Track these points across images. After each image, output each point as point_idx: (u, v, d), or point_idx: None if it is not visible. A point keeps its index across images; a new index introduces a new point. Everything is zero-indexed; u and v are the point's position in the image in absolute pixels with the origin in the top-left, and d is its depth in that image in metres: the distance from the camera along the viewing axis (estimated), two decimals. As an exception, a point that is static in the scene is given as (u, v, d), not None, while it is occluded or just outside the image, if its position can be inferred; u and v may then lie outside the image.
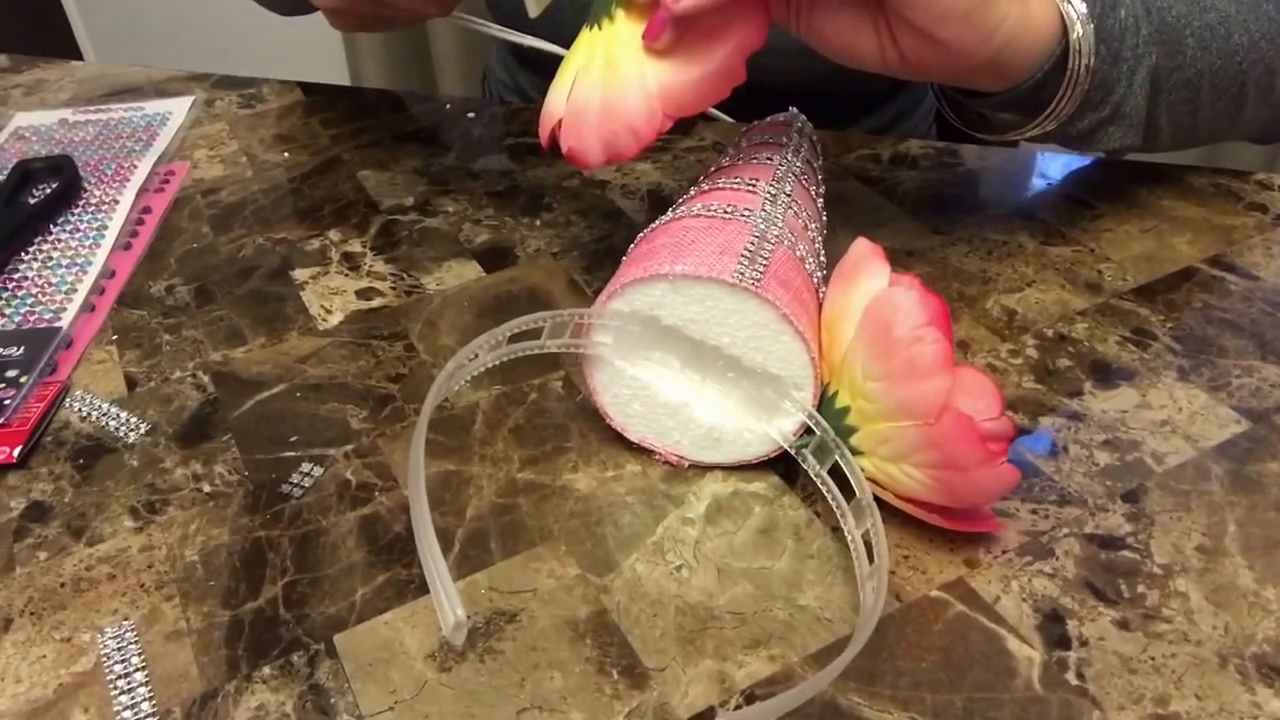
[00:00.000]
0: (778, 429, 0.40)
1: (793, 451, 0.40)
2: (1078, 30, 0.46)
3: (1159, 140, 0.53)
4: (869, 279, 0.39)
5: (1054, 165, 0.63)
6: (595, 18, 0.43)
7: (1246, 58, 0.51)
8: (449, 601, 0.31)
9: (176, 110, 0.73)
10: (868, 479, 0.38)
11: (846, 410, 0.38)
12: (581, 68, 0.43)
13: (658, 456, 0.43)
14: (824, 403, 0.40)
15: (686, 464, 0.42)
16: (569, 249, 0.56)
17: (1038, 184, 0.61)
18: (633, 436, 0.43)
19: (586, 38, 0.44)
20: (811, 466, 0.39)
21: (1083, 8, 0.46)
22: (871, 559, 0.36)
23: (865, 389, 0.37)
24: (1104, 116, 0.50)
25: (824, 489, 0.39)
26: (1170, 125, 0.52)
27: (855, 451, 0.38)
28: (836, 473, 0.38)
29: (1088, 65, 0.47)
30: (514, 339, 0.41)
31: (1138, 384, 0.46)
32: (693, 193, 0.46)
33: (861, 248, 0.40)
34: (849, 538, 0.37)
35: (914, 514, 0.38)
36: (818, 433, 0.39)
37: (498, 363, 0.41)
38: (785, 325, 0.38)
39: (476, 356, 0.40)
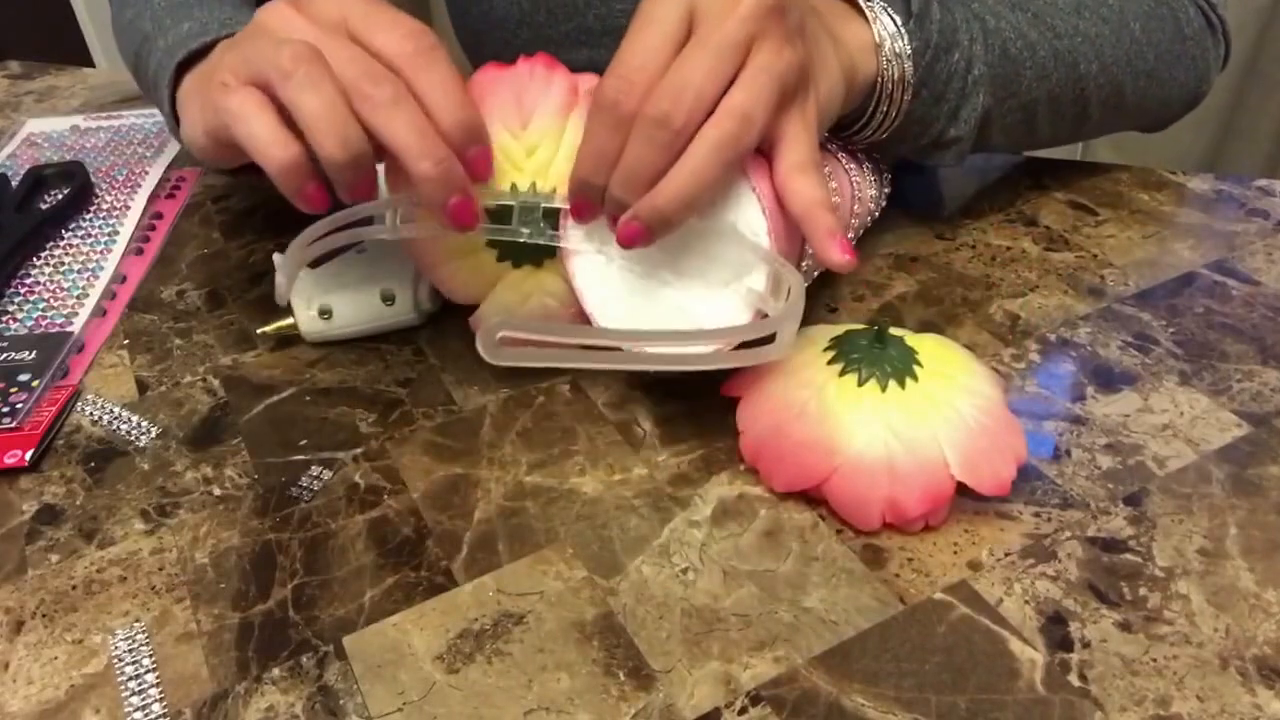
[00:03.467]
0: (747, 286, 0.40)
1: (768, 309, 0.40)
2: (888, 87, 0.47)
3: (993, 148, 0.56)
4: None
5: (1056, 172, 0.63)
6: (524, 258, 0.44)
7: (1092, 83, 0.54)
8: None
9: (186, 117, 0.74)
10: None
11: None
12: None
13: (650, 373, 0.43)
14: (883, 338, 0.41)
15: (672, 366, 0.42)
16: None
17: (1040, 191, 0.62)
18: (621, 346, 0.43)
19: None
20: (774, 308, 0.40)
21: (906, 51, 0.47)
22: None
23: None
24: (924, 145, 0.52)
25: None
26: (1004, 138, 0.54)
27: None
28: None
29: (894, 112, 0.48)
30: (493, 218, 0.42)
31: (1140, 388, 0.46)
32: None
33: None
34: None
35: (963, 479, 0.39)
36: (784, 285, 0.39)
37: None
38: None
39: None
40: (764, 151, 0.40)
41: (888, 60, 0.46)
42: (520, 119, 0.42)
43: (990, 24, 0.51)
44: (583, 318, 0.44)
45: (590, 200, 0.40)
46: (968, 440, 0.39)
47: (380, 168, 0.42)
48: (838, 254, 0.38)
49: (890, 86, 0.47)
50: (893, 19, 0.47)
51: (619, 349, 0.41)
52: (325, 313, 0.49)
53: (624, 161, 0.38)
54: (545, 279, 0.44)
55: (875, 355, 0.40)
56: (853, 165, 0.49)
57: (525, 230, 0.41)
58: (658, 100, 0.37)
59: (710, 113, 0.37)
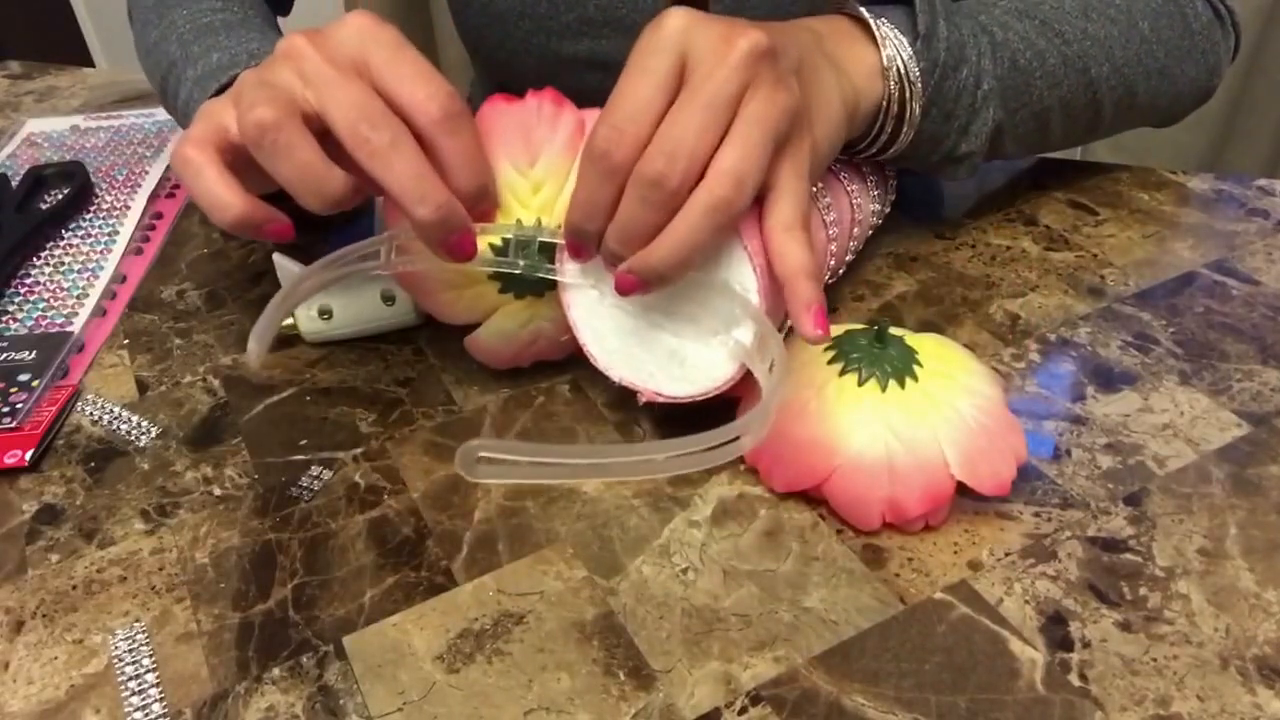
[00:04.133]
0: (735, 339, 0.40)
1: (751, 367, 0.40)
2: (894, 109, 0.47)
3: (1006, 157, 0.55)
4: None
5: (1056, 172, 0.63)
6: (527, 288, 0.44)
7: (1104, 85, 0.54)
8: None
9: (186, 117, 0.74)
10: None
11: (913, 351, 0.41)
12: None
13: (641, 399, 0.43)
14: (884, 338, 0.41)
15: (662, 399, 0.42)
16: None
17: (1040, 190, 0.62)
18: (614, 377, 0.43)
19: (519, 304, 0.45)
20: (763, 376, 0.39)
21: (914, 73, 0.46)
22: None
23: None
24: (935, 161, 0.51)
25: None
26: (1017, 147, 0.54)
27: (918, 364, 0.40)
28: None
29: (902, 132, 0.48)
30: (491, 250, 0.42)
31: (1140, 388, 0.46)
32: None
33: None
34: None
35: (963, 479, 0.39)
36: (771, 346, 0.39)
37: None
38: None
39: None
40: (758, 198, 0.39)
41: (895, 83, 0.46)
42: (528, 156, 0.42)
43: (998, 36, 0.50)
44: (579, 346, 0.44)
45: (584, 244, 0.40)
46: (968, 440, 0.39)
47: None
48: (810, 328, 0.38)
49: (896, 109, 0.47)
50: (900, 40, 0.46)
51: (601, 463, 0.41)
52: (325, 313, 0.49)
53: (619, 218, 0.38)
54: (543, 307, 0.45)
55: (875, 355, 0.40)
56: (855, 184, 0.49)
57: (522, 262, 0.42)
58: (652, 161, 0.36)
59: (705, 166, 0.37)
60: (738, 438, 0.37)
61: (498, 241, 0.42)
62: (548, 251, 0.42)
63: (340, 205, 0.39)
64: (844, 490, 0.39)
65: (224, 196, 0.39)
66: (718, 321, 0.40)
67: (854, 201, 0.49)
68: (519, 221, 0.42)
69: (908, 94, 0.47)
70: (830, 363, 0.41)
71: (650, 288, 0.39)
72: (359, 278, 0.50)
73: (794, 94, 0.38)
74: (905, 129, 0.48)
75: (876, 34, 0.46)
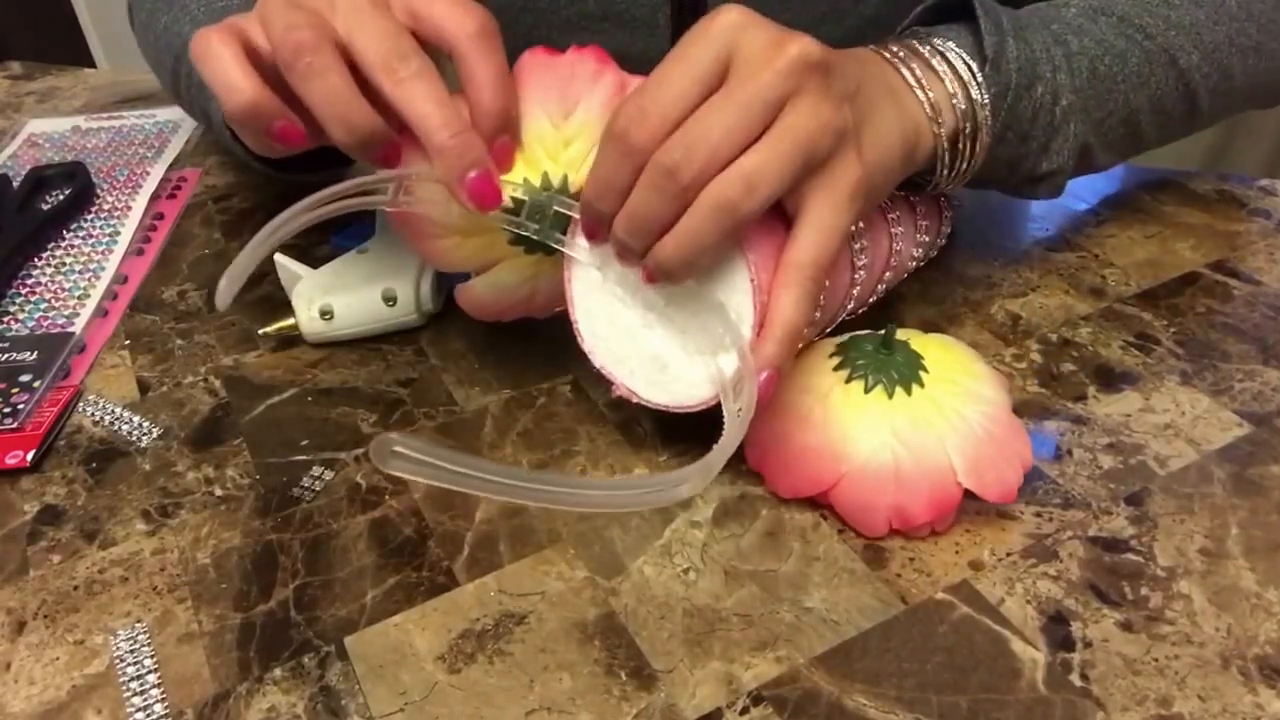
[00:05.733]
0: (718, 365, 0.39)
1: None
2: (964, 139, 0.45)
3: (1103, 166, 0.52)
4: None
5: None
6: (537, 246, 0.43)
7: (1196, 74, 0.51)
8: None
9: (188, 117, 0.74)
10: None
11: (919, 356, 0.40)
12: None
13: (615, 392, 0.42)
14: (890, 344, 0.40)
15: (635, 399, 0.41)
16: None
17: (1042, 190, 0.62)
18: (595, 362, 0.42)
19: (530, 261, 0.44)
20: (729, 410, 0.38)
21: (983, 99, 0.45)
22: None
23: None
24: (1015, 182, 0.50)
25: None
26: (1110, 155, 0.52)
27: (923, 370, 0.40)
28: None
29: (972, 162, 0.46)
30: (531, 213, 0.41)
31: (1141, 388, 0.46)
32: None
33: None
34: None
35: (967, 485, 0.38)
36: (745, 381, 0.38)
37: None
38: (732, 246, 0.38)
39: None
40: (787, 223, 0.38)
41: (963, 112, 0.44)
42: (563, 108, 0.41)
43: (1073, 45, 0.48)
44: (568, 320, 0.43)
45: (598, 223, 0.39)
46: (974, 448, 0.39)
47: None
48: (754, 394, 0.36)
49: (966, 140, 0.45)
50: (968, 65, 0.44)
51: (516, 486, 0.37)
52: (326, 313, 0.49)
53: (630, 205, 0.37)
54: (548, 266, 0.44)
55: (881, 361, 0.40)
56: (901, 225, 0.47)
57: (534, 225, 0.41)
58: (670, 150, 0.35)
59: (725, 167, 0.35)
60: (678, 485, 0.35)
61: (510, 203, 0.41)
62: (562, 222, 0.41)
63: (363, 141, 0.39)
64: (850, 498, 0.39)
65: (238, 80, 0.39)
66: (706, 341, 0.39)
67: (895, 245, 0.47)
68: (545, 175, 0.41)
69: (977, 123, 0.45)
70: (836, 369, 0.41)
71: (658, 281, 0.38)
72: (360, 277, 0.50)
73: (842, 114, 0.36)
74: (977, 156, 0.46)
75: (937, 70, 0.44)
